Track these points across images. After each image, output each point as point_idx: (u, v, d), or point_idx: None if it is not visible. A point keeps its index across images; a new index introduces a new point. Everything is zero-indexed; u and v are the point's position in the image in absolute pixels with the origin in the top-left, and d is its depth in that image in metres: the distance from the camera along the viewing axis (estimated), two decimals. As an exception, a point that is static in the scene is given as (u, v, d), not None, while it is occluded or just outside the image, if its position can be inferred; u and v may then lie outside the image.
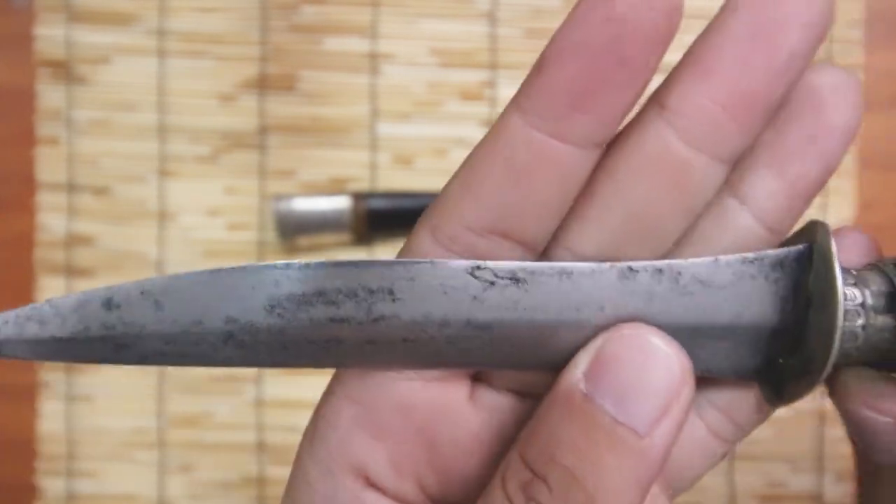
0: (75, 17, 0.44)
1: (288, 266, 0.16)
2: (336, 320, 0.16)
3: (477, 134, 0.44)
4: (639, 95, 0.15)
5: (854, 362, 0.17)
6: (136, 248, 0.44)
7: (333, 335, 0.16)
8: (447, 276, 0.16)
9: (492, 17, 0.44)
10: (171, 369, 0.44)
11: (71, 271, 0.44)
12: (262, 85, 0.44)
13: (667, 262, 0.16)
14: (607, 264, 0.16)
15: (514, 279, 0.16)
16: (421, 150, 0.44)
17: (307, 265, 0.16)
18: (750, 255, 0.16)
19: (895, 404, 0.17)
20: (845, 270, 0.17)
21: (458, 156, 0.43)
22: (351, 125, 0.44)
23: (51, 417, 0.44)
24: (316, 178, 0.44)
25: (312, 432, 0.17)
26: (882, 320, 0.16)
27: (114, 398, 0.44)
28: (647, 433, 0.14)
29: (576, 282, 0.16)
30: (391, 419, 0.17)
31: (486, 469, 0.17)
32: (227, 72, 0.44)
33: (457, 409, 0.17)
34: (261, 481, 0.44)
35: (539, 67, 0.15)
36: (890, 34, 0.44)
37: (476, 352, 0.16)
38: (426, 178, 0.44)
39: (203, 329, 0.15)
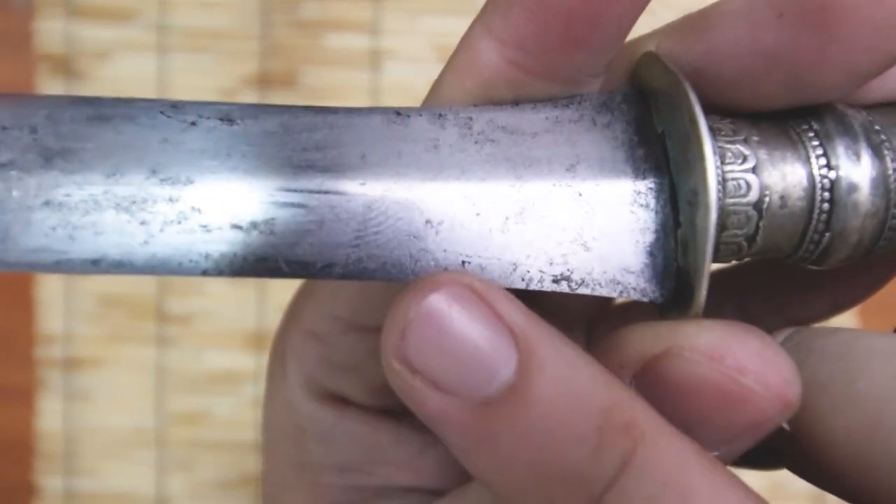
0: (75, 11, 0.44)
1: None
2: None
3: (479, 131, 0.43)
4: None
5: (778, 236, 0.12)
6: (136, 244, 0.44)
7: None
8: (134, 115, 0.11)
9: (494, 14, 0.44)
10: (167, 367, 0.43)
11: (70, 268, 0.44)
12: (263, 81, 0.44)
13: (448, 107, 0.12)
14: (366, 108, 0.12)
15: (227, 120, 0.11)
16: (422, 146, 0.44)
17: None
18: (562, 98, 0.12)
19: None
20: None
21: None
22: (352, 122, 0.44)
23: (49, 416, 0.44)
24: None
25: (283, 365, 0.17)
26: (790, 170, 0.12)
27: (113, 396, 0.44)
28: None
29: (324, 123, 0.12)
30: (360, 360, 0.16)
31: None
32: (228, 67, 0.44)
33: None
34: (260, 480, 0.44)
35: None
36: None
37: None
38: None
39: None
